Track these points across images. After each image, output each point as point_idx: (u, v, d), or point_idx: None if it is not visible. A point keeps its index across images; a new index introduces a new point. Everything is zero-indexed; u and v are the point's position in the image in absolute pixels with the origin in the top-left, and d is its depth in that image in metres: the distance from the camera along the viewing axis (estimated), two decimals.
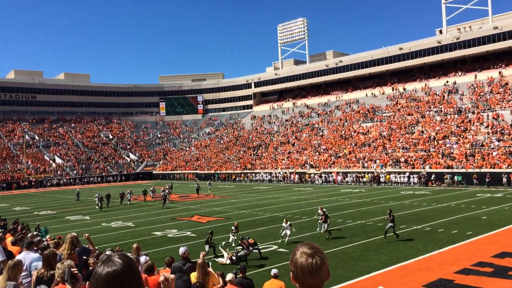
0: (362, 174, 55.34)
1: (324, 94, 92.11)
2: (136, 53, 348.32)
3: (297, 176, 63.43)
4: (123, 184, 77.59)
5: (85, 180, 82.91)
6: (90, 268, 7.31)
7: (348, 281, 14.29)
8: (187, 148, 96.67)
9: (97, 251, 9.13)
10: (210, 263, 12.19)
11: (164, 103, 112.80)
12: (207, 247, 18.22)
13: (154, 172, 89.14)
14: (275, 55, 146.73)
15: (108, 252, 9.33)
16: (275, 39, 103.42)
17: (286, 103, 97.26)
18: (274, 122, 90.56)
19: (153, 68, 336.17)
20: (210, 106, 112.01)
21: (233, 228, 20.96)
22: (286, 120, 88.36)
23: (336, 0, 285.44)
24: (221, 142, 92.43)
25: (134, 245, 10.26)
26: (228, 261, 17.10)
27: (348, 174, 56.85)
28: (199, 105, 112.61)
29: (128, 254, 2.89)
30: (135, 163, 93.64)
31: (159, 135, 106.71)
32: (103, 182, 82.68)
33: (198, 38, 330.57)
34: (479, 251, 17.37)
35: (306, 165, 65.76)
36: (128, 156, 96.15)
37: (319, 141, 72.48)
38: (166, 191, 40.61)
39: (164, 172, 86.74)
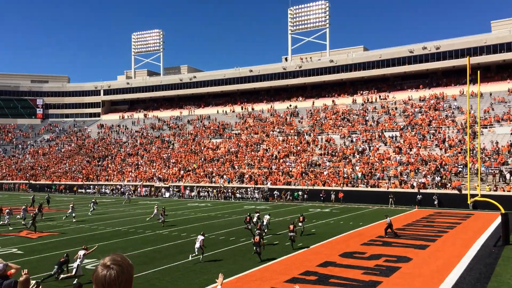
0: (210, 189, 56.60)
1: (177, 107, 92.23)
2: None
3: (144, 189, 61.91)
4: None
5: None
6: None
7: None
8: (21, 156, 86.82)
9: None
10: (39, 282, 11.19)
11: None
12: (55, 268, 16.42)
13: None
14: (128, 64, 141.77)
15: None
16: (129, 48, 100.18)
17: (137, 114, 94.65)
18: (123, 133, 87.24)
19: None
20: (51, 111, 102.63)
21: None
22: (136, 131, 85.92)
23: (193, 17, 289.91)
24: (62, 150, 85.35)
25: None
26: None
27: (195, 188, 57.52)
28: (38, 109, 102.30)
29: None
30: None
31: None
32: None
33: (41, 36, 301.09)
34: (307, 261, 19.21)
35: (154, 178, 64.64)
36: None
37: (169, 154, 72.06)
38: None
39: None
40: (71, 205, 34.87)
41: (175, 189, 59.54)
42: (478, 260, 19.35)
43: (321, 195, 47.90)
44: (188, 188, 58.59)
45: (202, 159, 67.04)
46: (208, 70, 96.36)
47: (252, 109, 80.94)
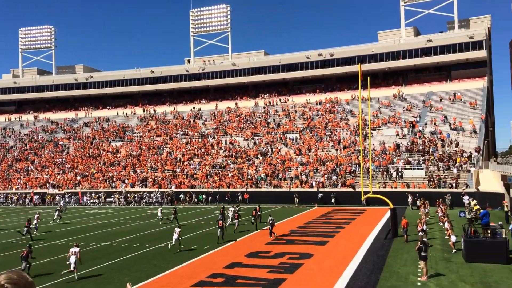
0: (114, 195, 54.03)
1: (72, 109, 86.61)
2: None
3: (36, 197, 57.13)
4: None
5: None
6: None
7: None
8: None
9: None
10: None
11: None
12: (23, 264, 18.14)
13: None
14: (15, 62, 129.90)
15: None
16: (16, 44, 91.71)
17: (26, 115, 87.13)
18: (10, 136, 79.70)
19: None
20: None
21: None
22: (26, 135, 79.00)
23: (89, 14, 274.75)
24: None
25: None
26: None
27: (92, 194, 54.47)
28: None
29: None
30: None
31: None
32: None
33: None
34: (214, 264, 19.24)
35: (47, 184, 60.03)
36: None
37: (63, 159, 67.42)
38: None
39: None
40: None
41: (71, 196, 55.76)
42: (372, 252, 20.95)
43: (226, 197, 48.24)
44: (86, 194, 55.32)
45: (101, 163, 63.81)
46: (106, 70, 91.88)
47: (155, 111, 78.97)
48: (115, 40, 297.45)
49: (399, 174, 45.50)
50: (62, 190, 57.60)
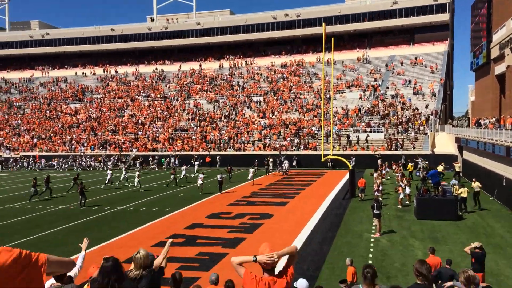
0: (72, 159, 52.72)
1: (28, 68, 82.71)
2: None
3: None
4: None
5: None
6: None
7: None
8: None
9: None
10: None
11: None
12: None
13: None
14: None
15: None
16: None
17: None
18: None
19: None
20: None
21: None
22: None
23: None
24: None
25: None
26: None
27: (53, 159, 53.00)
28: None
29: None
30: None
31: None
32: None
33: None
34: (174, 225, 19.31)
35: (1, 147, 57.88)
36: None
37: (19, 121, 64.89)
38: None
39: None
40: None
41: (30, 159, 54.07)
42: (330, 212, 21.56)
43: (192, 161, 47.99)
44: (43, 158, 53.77)
45: (59, 125, 61.86)
46: (63, 27, 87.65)
47: (116, 71, 76.55)
48: None
49: (358, 138, 46.32)
50: (18, 154, 55.75)
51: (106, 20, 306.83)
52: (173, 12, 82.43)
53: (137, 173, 30.44)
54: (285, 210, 22.33)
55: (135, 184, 29.14)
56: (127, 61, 78.88)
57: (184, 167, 36.18)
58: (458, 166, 31.29)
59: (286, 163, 40.36)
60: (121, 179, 34.16)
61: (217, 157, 46.84)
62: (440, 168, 29.99)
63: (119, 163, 49.77)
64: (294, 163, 44.83)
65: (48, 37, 79.95)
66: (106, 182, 32.44)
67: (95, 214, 22.13)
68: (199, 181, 28.55)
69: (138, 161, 46.86)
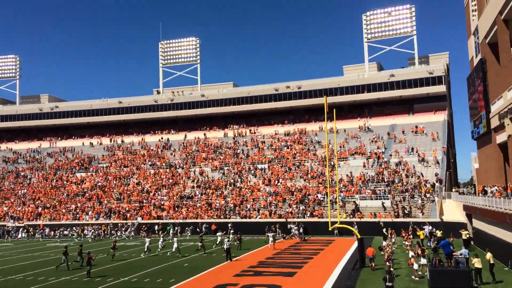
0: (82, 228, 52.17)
1: (36, 139, 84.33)
2: None
3: None
4: None
5: None
6: None
7: None
8: None
9: None
10: None
11: None
12: None
13: None
14: None
15: None
16: None
17: None
18: None
19: None
20: None
21: None
22: None
23: (53, 43, 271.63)
24: None
25: None
26: None
27: (56, 228, 52.44)
28: None
29: None
30: None
31: None
32: None
33: None
34: None
35: (6, 217, 57.57)
36: None
37: (25, 190, 65.05)
38: None
39: None
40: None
41: (34, 229, 53.45)
42: (340, 283, 20.96)
43: (198, 228, 47.48)
44: (47, 227, 53.24)
45: (65, 194, 61.91)
46: (72, 100, 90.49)
47: (122, 141, 77.87)
48: (82, 71, 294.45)
49: (365, 205, 46.08)
50: (22, 223, 55.32)
51: (114, 94, 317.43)
52: (179, 85, 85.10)
53: (175, 239, 33.26)
54: (294, 280, 21.74)
55: (173, 250, 31.44)
56: (134, 131, 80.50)
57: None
58: (465, 234, 30.76)
59: (294, 229, 41.56)
60: (159, 247, 34.16)
61: (229, 225, 45.24)
62: (464, 235, 30.00)
63: (121, 231, 49.16)
64: (301, 230, 44.01)
65: (57, 109, 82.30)
66: (145, 250, 32.82)
67: (99, 286, 21.55)
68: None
69: (175, 229, 46.93)
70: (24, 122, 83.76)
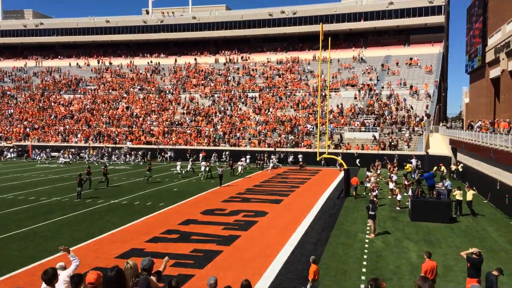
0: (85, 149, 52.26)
1: (21, 57, 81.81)
2: None
3: None
4: None
5: None
6: None
7: (37, 261, 13.37)
8: None
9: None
10: None
11: None
12: None
13: None
14: None
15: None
16: None
17: None
18: None
19: None
20: None
21: None
22: None
23: None
24: None
25: None
26: None
27: (47, 149, 52.52)
28: None
29: None
30: None
31: None
32: None
33: None
34: (169, 220, 19.21)
35: None
36: None
37: (12, 110, 64.23)
38: None
39: None
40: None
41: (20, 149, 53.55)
42: (324, 211, 21.57)
43: (187, 154, 47.81)
44: (36, 148, 53.30)
45: (53, 116, 61.33)
46: (57, 17, 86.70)
47: (110, 63, 75.92)
48: None
49: (353, 136, 46.49)
50: (10, 143, 55.22)
51: (100, 12, 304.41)
52: (169, 5, 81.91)
53: (203, 162, 36.78)
54: (280, 208, 22.31)
55: (202, 172, 34.82)
56: (122, 53, 78.25)
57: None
58: (460, 166, 31.71)
59: (275, 159, 42.01)
60: (188, 169, 36.36)
61: (226, 153, 46.33)
62: (460, 168, 31.02)
63: (114, 153, 49.47)
64: (290, 160, 44.61)
65: (42, 26, 79.06)
66: (178, 172, 34.63)
67: (88, 208, 21.95)
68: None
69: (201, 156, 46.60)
70: (8, 39, 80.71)
